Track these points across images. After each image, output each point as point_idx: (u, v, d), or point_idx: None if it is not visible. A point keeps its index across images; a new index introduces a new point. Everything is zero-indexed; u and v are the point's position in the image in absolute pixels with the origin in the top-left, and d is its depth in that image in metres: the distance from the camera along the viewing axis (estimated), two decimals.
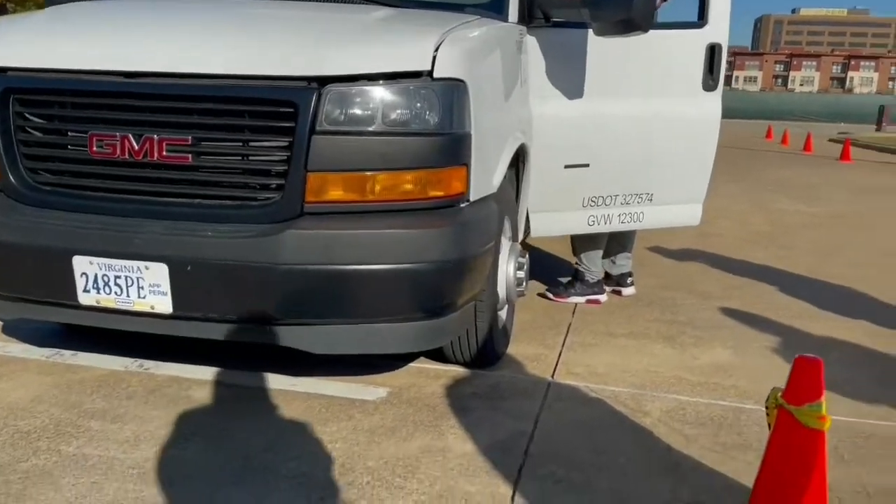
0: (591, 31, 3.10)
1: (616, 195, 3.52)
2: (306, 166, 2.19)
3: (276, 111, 2.21)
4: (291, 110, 2.19)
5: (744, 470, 2.22)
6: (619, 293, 4.12)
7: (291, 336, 2.34)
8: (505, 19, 2.90)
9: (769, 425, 1.85)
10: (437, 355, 2.95)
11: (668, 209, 3.68)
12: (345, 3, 2.75)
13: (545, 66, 3.21)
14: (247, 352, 2.84)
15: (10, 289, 2.45)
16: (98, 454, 2.20)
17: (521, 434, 2.43)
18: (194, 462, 2.19)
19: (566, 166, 3.37)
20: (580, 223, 3.55)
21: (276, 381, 2.75)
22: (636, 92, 3.40)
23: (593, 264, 3.92)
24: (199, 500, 2.00)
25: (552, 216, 3.47)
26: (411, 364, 2.96)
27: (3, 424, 2.36)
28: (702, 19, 3.44)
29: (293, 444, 2.31)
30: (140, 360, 2.89)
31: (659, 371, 3.04)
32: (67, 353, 2.94)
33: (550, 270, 4.42)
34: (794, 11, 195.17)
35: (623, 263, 4.11)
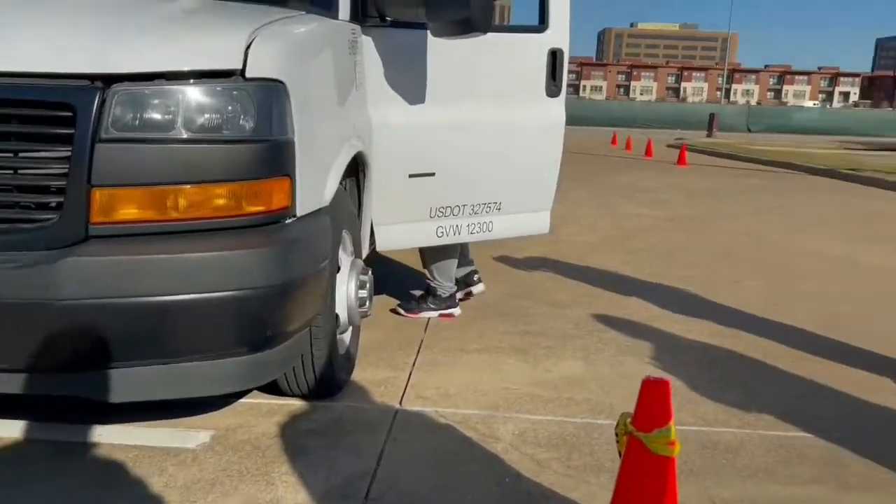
0: (428, 32, 2.93)
1: (464, 205, 3.36)
2: (90, 180, 1.84)
3: (51, 115, 1.85)
4: (69, 114, 1.83)
5: (597, 494, 2.10)
6: (470, 294, 3.99)
7: (84, 384, 1.96)
8: (335, 16, 2.66)
9: (619, 453, 1.72)
10: (272, 388, 2.64)
11: (517, 218, 3.58)
12: None
13: (383, 68, 3.00)
14: (41, 399, 2.41)
15: None
16: None
17: (363, 475, 2.18)
18: None
19: (410, 175, 3.17)
20: (429, 235, 3.36)
21: (81, 433, 2.34)
22: (480, 97, 3.27)
23: (445, 277, 3.75)
24: None
25: (399, 228, 3.26)
26: (242, 400, 2.63)
27: None
28: (543, 23, 3.37)
29: None
30: None
31: (511, 388, 2.90)
32: None
33: (404, 284, 4.22)
34: (632, 25, 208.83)
35: (465, 263, 3.99)
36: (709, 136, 24.68)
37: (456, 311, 3.80)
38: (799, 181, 11.94)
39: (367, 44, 2.92)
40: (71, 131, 1.83)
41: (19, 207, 1.88)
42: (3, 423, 2.35)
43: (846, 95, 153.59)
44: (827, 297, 4.49)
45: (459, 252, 3.89)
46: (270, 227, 2.08)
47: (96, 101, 1.83)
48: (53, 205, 1.87)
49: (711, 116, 27.00)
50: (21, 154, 1.88)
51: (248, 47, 1.99)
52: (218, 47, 2.00)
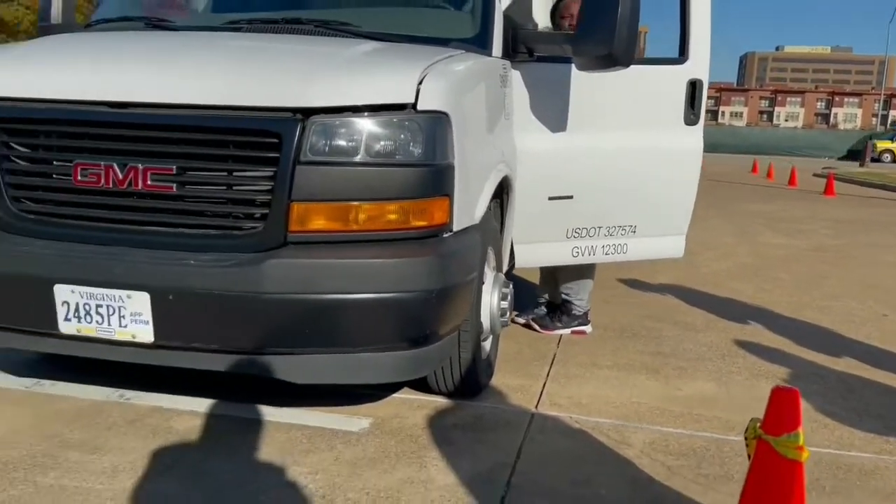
0: (572, 66, 3.16)
1: (600, 227, 3.55)
2: (290, 196, 2.21)
3: (261, 141, 2.24)
4: (276, 141, 2.21)
5: (726, 501, 2.22)
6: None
7: (274, 366, 2.33)
8: (489, 54, 2.95)
9: (749, 456, 1.85)
10: (421, 385, 2.94)
11: (651, 241, 3.71)
12: (331, 36, 2.79)
13: (529, 99, 3.27)
14: (229, 381, 2.83)
15: None
16: (75, 485, 2.17)
17: (504, 465, 2.42)
18: (174, 495, 2.16)
19: (550, 198, 3.40)
20: (565, 254, 3.57)
21: (259, 412, 2.73)
22: (619, 125, 3.45)
23: (581, 296, 3.93)
24: None
25: (536, 247, 3.49)
26: (395, 394, 2.94)
27: None
28: (682, 55, 3.52)
29: (272, 476, 2.29)
30: (121, 391, 2.86)
31: (642, 402, 3.04)
32: (47, 382, 2.92)
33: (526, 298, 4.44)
34: (778, 49, 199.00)
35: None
36: (861, 165, 23.22)
37: (587, 328, 3.97)
38: None
39: (516, 77, 3.20)
40: (276, 155, 2.21)
41: (232, 217, 2.28)
42: (203, 401, 2.78)
43: None
44: None
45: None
46: (431, 239, 2.38)
47: (298, 131, 2.20)
48: (258, 216, 2.26)
49: (865, 145, 25.38)
50: (234, 173, 2.29)
51: (420, 84, 2.31)
52: (395, 85, 2.33)
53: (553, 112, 3.32)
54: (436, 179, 2.34)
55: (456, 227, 2.45)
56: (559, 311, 3.98)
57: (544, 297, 4.12)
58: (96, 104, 2.32)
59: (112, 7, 3.38)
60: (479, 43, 2.94)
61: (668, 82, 3.52)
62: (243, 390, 2.83)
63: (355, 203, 2.26)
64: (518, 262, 3.52)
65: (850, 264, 6.47)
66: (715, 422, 2.86)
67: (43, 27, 3.55)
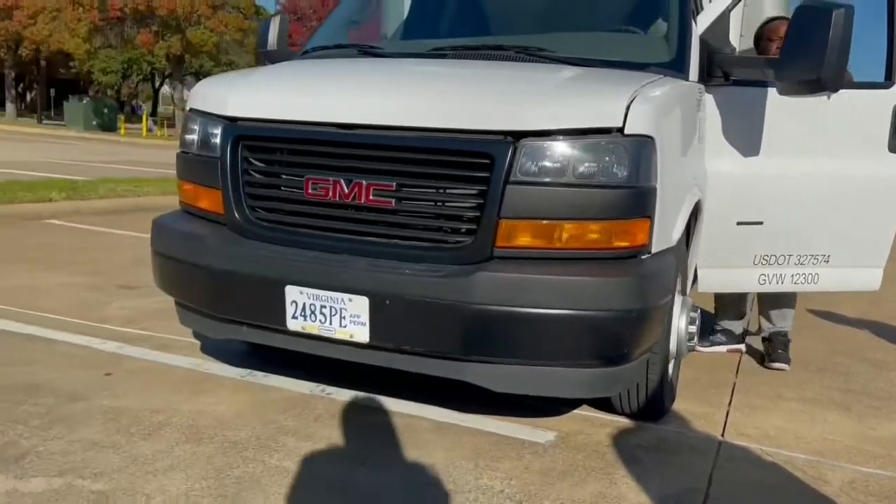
0: (769, 90, 3.10)
1: (790, 255, 3.44)
2: (499, 213, 2.34)
3: (475, 162, 2.38)
4: (488, 161, 2.36)
5: None
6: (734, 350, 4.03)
7: (474, 372, 2.47)
8: (686, 78, 2.97)
9: None
10: (602, 404, 2.98)
11: (845, 272, 3.54)
12: (532, 62, 2.92)
13: (721, 123, 3.23)
14: (414, 383, 3.01)
15: (225, 311, 2.75)
16: (295, 468, 2.41)
17: (696, 490, 2.41)
18: (378, 485, 2.34)
19: (738, 223, 3.34)
20: (751, 281, 3.49)
21: (445, 415, 2.88)
22: (816, 151, 3.34)
23: (786, 323, 3.87)
24: None
25: (722, 272, 3.44)
26: (575, 411, 3.00)
27: (215, 433, 2.62)
28: (889, 79, 3.35)
29: (468, 478, 2.42)
30: (322, 386, 3.12)
31: (836, 440, 2.92)
32: (259, 374, 3.23)
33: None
34: None
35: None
36: None
37: (742, 346, 3.97)
38: None
39: (709, 101, 3.18)
40: (488, 175, 2.36)
41: (444, 231, 2.45)
42: (395, 401, 2.97)
43: None
44: None
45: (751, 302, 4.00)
46: (631, 260, 2.43)
47: (509, 153, 2.34)
48: (468, 230, 2.41)
49: None
50: (447, 191, 2.45)
51: (628, 108, 2.38)
52: (603, 109, 2.41)
53: (746, 136, 3.27)
54: (639, 201, 2.39)
55: (654, 250, 2.48)
56: (774, 345, 3.86)
57: (721, 325, 4.04)
58: (326, 125, 2.57)
59: (325, 36, 3.70)
60: (677, 67, 2.96)
61: (873, 107, 3.35)
62: (426, 393, 3.00)
63: (559, 222, 2.35)
64: (701, 287, 3.48)
65: None
66: None
67: (262, 53, 3.95)
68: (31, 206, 7.29)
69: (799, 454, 2.75)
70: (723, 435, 2.89)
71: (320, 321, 2.50)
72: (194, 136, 2.85)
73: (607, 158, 2.36)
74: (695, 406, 3.17)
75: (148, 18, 32.31)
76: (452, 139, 2.42)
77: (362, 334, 2.46)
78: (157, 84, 47.61)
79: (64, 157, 14.88)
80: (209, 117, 2.80)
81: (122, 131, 30.24)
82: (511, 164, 2.34)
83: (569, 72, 2.72)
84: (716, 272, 3.43)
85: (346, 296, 2.44)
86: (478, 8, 3.79)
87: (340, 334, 2.49)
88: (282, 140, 2.65)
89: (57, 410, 2.73)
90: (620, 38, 3.25)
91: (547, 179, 2.35)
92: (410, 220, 2.47)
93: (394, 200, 2.46)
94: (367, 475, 2.40)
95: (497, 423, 2.84)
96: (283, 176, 2.67)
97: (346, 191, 2.49)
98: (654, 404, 2.87)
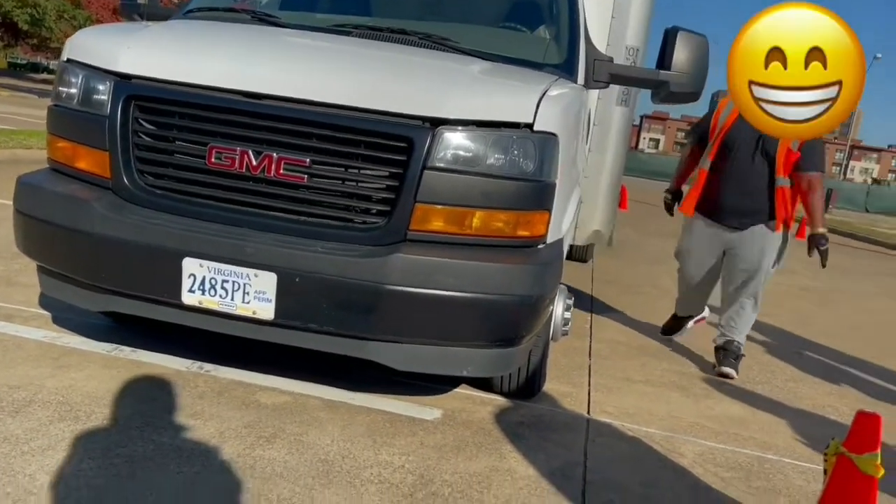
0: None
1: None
2: (416, 197, 2.39)
3: (394, 145, 2.40)
4: (407, 146, 2.39)
5: None
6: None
7: (378, 351, 2.50)
8: (575, 81, 3.17)
9: (825, 471, 2.09)
10: (479, 384, 3.13)
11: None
12: (435, 49, 2.96)
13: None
14: (299, 359, 2.99)
15: (106, 281, 2.55)
16: (191, 447, 2.31)
17: (575, 463, 2.62)
18: (282, 462, 2.32)
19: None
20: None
21: (334, 394, 2.89)
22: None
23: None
24: (300, 497, 2.14)
25: None
26: (456, 389, 3.13)
27: (91, 411, 2.44)
28: None
29: (367, 453, 2.46)
30: (199, 363, 2.99)
31: (681, 417, 3.28)
32: (127, 349, 3.03)
33: None
34: None
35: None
36: (825, 212, 24.10)
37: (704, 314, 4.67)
38: None
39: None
40: (405, 158, 2.39)
41: (358, 211, 2.44)
42: (279, 379, 2.93)
43: None
44: None
45: None
46: (530, 248, 2.58)
47: (428, 138, 2.38)
48: (383, 212, 2.43)
49: (829, 192, 26.39)
50: (364, 171, 2.45)
51: (538, 106, 2.51)
52: (517, 104, 2.52)
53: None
54: (541, 195, 2.54)
55: (549, 240, 2.65)
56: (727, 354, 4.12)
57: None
58: (234, 92, 2.46)
59: None
60: (568, 70, 3.15)
61: None
62: (311, 370, 2.99)
63: (470, 209, 2.44)
64: None
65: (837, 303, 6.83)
66: (751, 441, 3.11)
67: (125, 5, 3.65)
68: None
69: (655, 430, 3.07)
70: (588, 413, 3.15)
71: (220, 296, 2.40)
72: (74, 91, 2.60)
73: (517, 152, 2.47)
74: (560, 386, 3.42)
75: None
76: (374, 120, 2.41)
77: (266, 311, 2.40)
78: None
79: None
80: (95, 71, 2.57)
81: None
82: (430, 150, 2.39)
83: (478, 65, 2.80)
84: None
85: (251, 271, 2.37)
86: None
87: (241, 310, 2.41)
88: (185, 104, 2.49)
89: None
90: (515, 37, 3.40)
91: (461, 167, 2.42)
92: (323, 197, 2.44)
93: (306, 176, 2.41)
94: (269, 451, 2.36)
95: (386, 402, 2.90)
96: (183, 142, 2.51)
97: (255, 163, 2.41)
98: (531, 384, 3.07)
